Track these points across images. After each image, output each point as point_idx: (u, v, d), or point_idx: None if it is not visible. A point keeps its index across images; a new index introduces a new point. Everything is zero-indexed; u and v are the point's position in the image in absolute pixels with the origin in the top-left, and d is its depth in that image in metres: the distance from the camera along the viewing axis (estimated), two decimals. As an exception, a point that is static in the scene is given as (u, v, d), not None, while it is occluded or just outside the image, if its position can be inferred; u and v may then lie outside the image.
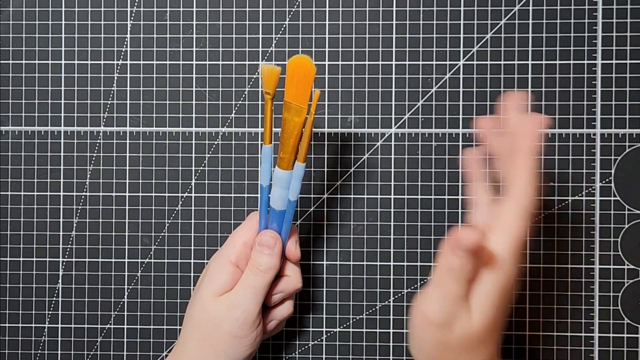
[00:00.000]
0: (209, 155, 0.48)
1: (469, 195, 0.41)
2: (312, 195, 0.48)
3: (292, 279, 0.43)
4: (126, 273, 0.48)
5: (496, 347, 0.37)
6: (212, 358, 0.40)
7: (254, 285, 0.40)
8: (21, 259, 0.48)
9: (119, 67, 0.48)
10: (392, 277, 0.47)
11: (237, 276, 0.41)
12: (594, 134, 0.47)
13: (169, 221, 0.48)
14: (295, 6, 0.48)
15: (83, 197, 0.48)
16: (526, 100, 0.41)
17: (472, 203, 0.41)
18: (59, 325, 0.48)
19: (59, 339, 0.48)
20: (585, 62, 0.47)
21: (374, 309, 0.48)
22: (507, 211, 0.36)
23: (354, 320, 0.48)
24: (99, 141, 0.48)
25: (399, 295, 0.47)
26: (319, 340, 0.48)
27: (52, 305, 0.48)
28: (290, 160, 0.40)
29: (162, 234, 0.48)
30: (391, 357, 0.47)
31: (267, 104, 0.40)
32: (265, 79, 0.40)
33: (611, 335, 0.47)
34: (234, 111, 0.48)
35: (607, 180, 0.47)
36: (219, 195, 0.48)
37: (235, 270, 0.41)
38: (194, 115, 0.48)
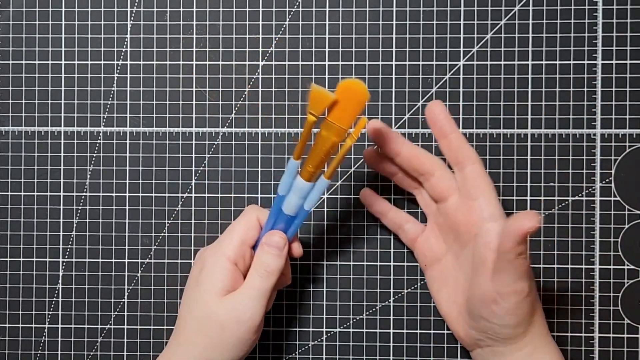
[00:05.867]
0: (209, 156, 0.48)
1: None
2: (312, 196, 0.48)
3: (285, 276, 0.43)
4: (126, 273, 0.48)
5: None
6: (218, 358, 0.40)
7: (260, 287, 0.40)
8: (21, 259, 0.48)
9: (119, 67, 0.48)
10: (392, 277, 0.47)
11: (236, 275, 0.40)
12: (594, 134, 0.47)
13: (169, 221, 0.48)
14: (295, 6, 0.48)
15: (83, 197, 0.48)
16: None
17: (398, 223, 0.46)
18: (59, 326, 0.48)
19: (59, 339, 0.48)
20: (585, 62, 0.47)
21: (374, 309, 0.48)
22: (479, 173, 0.40)
23: (354, 320, 0.48)
24: (99, 141, 0.48)
25: (399, 295, 0.47)
26: (319, 340, 0.48)
27: (52, 306, 0.48)
28: (316, 174, 0.40)
29: (162, 234, 0.48)
30: (391, 357, 0.47)
31: (308, 124, 0.38)
32: (313, 101, 0.38)
33: (611, 335, 0.47)
34: (234, 111, 0.48)
35: (607, 180, 0.47)
36: (219, 195, 0.48)
37: (234, 269, 0.40)
38: (194, 116, 0.48)
